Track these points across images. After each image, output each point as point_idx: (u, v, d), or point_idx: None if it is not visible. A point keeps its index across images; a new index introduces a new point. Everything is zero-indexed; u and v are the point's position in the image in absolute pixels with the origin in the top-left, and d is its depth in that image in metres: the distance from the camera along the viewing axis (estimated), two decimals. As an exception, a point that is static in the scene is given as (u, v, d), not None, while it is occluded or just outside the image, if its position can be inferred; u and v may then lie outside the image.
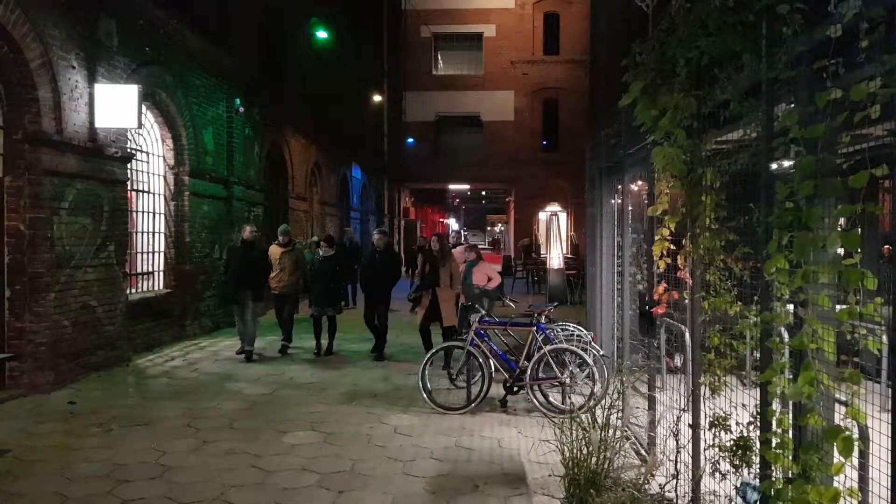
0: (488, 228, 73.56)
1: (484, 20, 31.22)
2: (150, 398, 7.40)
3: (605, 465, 4.28)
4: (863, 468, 2.78)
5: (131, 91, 8.35)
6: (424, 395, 6.92)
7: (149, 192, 10.35)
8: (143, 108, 8.79)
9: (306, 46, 17.27)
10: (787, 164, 2.83)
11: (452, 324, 8.89)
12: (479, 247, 10.72)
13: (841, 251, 2.53)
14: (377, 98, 26.19)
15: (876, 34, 2.23)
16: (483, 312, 7.42)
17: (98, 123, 8.23)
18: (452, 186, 35.39)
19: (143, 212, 10.24)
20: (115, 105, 8.23)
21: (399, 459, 5.53)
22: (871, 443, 2.71)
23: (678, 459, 4.16)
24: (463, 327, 8.66)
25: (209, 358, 9.67)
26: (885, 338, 2.55)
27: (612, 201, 7.36)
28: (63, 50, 7.67)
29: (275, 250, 10.10)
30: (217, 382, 8.11)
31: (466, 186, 35.45)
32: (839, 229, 2.47)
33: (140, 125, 8.68)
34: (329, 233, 12.22)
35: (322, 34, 17.03)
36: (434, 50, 32.16)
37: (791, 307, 2.78)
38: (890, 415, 2.18)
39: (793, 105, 2.74)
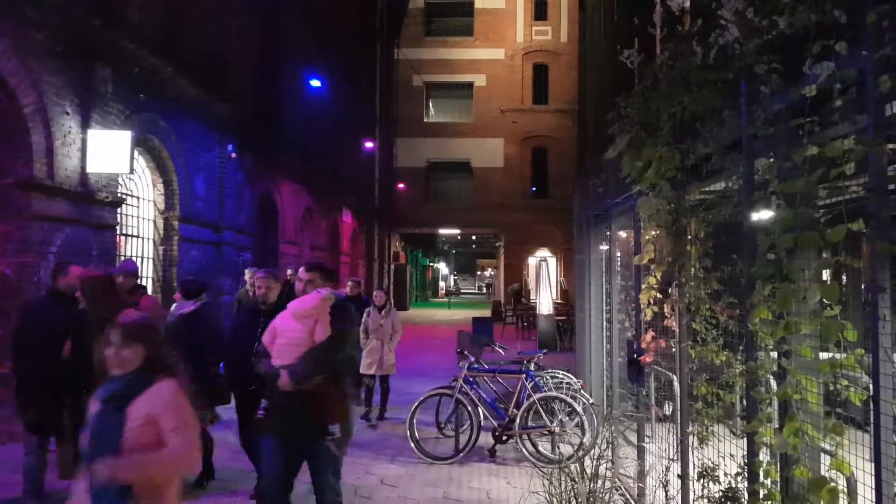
0: (478, 273, 73.73)
1: (474, 70, 31.92)
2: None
3: (595, 517, 4.22)
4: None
5: (124, 137, 8.41)
6: (412, 445, 6.83)
7: (138, 237, 10.34)
8: (136, 153, 8.84)
9: (299, 93, 17.55)
10: (768, 214, 2.89)
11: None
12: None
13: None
14: (369, 144, 26.51)
15: (848, 95, 2.32)
16: (472, 359, 7.38)
17: (90, 168, 8.26)
18: (442, 231, 35.59)
19: (131, 256, 10.20)
20: (108, 150, 8.28)
21: (386, 510, 5.43)
22: (857, 495, 2.70)
23: (668, 511, 4.12)
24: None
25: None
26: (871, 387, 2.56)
27: (601, 248, 7.43)
28: (58, 97, 7.76)
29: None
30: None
31: (457, 231, 35.67)
32: (825, 280, 2.51)
33: (132, 171, 8.73)
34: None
35: (315, 82, 17.34)
36: (426, 98, 32.76)
37: (775, 355, 2.80)
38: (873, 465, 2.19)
39: (772, 159, 2.81)
